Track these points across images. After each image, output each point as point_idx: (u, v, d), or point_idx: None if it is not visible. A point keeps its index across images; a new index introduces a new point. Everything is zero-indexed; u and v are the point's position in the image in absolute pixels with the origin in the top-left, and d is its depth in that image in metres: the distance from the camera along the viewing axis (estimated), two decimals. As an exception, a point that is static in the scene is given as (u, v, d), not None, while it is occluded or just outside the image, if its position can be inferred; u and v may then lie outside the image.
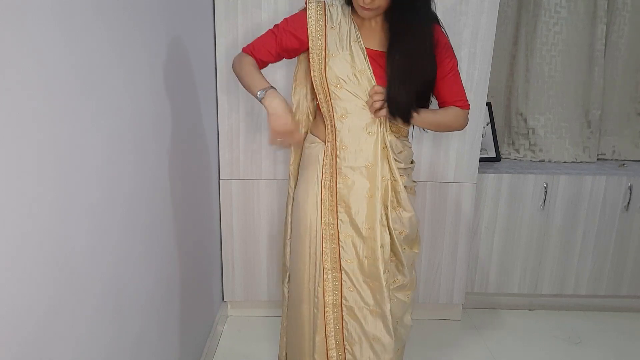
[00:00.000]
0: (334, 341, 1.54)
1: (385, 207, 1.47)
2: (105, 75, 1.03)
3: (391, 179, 1.47)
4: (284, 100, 1.40)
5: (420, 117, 1.45)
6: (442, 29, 1.46)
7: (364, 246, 1.47)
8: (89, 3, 0.95)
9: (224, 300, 2.30)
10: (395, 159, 1.47)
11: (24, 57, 0.75)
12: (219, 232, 2.20)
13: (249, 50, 1.49)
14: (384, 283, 1.46)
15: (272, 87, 1.42)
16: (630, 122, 2.55)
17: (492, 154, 2.43)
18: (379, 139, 1.45)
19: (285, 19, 1.48)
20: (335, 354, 1.54)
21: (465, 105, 1.51)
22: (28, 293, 0.79)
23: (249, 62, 1.47)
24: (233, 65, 1.51)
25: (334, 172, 1.47)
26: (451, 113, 1.50)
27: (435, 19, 1.45)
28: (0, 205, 0.71)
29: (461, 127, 1.54)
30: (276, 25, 1.48)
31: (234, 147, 2.11)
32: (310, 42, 1.43)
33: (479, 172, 2.19)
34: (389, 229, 1.48)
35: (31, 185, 0.78)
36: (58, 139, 0.86)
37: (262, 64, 1.50)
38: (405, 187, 1.49)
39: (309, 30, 1.43)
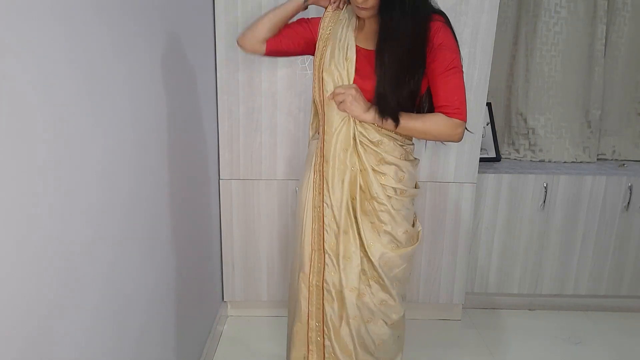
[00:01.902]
0: (315, 322, 1.55)
1: (353, 197, 1.47)
2: (105, 75, 1.03)
3: (360, 169, 1.45)
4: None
5: (404, 121, 1.39)
6: (446, 25, 1.37)
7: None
8: (90, 3, 0.95)
9: (224, 300, 2.30)
10: (371, 149, 1.44)
11: (24, 57, 0.75)
12: (219, 232, 2.20)
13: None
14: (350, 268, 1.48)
15: None
16: (630, 122, 2.55)
17: (492, 154, 2.43)
18: (351, 127, 1.44)
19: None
20: (314, 335, 1.56)
21: (457, 114, 1.34)
22: (28, 293, 0.79)
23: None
24: (244, 33, 1.52)
25: (322, 156, 1.49)
26: (433, 120, 1.37)
27: (436, 15, 1.38)
28: (1, 206, 0.71)
29: (449, 138, 1.37)
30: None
31: (234, 147, 2.11)
32: (320, 28, 1.48)
33: (479, 172, 2.19)
34: (356, 220, 1.47)
35: (31, 185, 0.78)
36: (58, 139, 0.86)
37: (273, 44, 1.53)
38: (384, 186, 1.45)
39: (323, 17, 1.49)
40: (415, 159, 1.53)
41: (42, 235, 0.82)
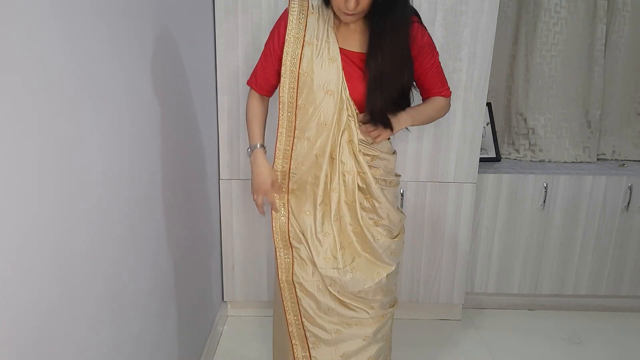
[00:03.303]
0: (292, 317, 1.55)
1: (352, 199, 1.48)
2: (105, 76, 1.03)
3: (359, 171, 1.47)
4: (266, 161, 1.50)
5: (408, 116, 1.48)
6: (421, 24, 1.42)
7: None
8: (89, 3, 0.95)
9: (224, 300, 2.30)
10: (363, 152, 1.46)
11: (24, 57, 0.75)
12: (219, 232, 2.20)
13: (253, 84, 1.53)
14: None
15: (261, 145, 1.53)
16: (630, 122, 2.55)
17: (492, 154, 2.43)
18: (345, 133, 1.44)
19: (270, 33, 1.48)
20: (295, 330, 1.56)
21: (448, 93, 1.55)
22: (28, 294, 0.79)
23: (252, 110, 1.55)
24: (247, 106, 1.59)
25: (289, 160, 1.48)
26: (436, 105, 1.54)
27: (413, 16, 1.41)
28: (1, 206, 0.71)
29: (445, 114, 1.60)
30: (265, 46, 1.48)
31: (234, 147, 2.11)
32: (289, 25, 1.40)
33: (479, 172, 2.19)
34: (359, 219, 1.48)
35: (31, 185, 0.78)
36: (58, 140, 0.86)
37: (270, 91, 1.55)
38: (378, 179, 1.49)
39: (290, 14, 1.41)
40: (395, 150, 1.62)
41: (42, 236, 0.82)
